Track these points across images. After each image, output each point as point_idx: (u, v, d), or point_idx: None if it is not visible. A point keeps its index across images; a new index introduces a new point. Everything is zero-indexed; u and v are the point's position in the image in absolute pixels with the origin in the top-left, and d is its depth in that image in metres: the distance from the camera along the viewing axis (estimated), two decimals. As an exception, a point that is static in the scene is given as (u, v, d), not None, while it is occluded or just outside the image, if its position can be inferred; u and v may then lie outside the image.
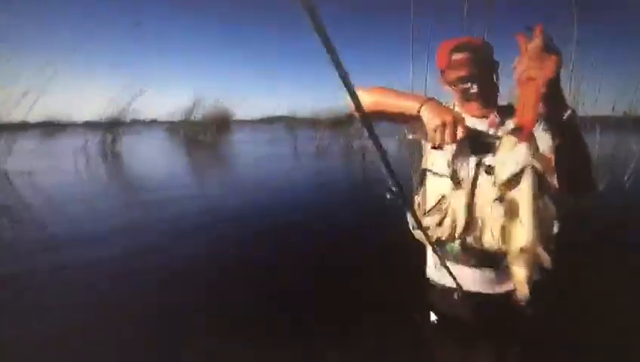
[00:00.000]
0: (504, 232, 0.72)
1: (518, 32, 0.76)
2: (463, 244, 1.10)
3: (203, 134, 14.38)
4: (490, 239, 1.04)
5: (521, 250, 0.72)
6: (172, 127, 17.23)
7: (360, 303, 1.76)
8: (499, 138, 1.02)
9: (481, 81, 1.06)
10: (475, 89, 1.07)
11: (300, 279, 2.06)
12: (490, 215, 1.01)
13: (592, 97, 4.28)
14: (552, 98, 0.81)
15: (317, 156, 8.41)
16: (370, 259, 2.16)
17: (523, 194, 0.68)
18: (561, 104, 0.84)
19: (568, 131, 0.88)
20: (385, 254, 1.95)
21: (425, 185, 1.19)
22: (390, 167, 0.69)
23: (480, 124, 1.12)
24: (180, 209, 3.83)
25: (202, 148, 11.63)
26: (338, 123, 13.16)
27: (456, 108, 1.18)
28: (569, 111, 0.84)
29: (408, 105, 0.98)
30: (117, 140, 11.48)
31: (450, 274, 1.07)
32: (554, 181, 0.84)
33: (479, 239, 1.07)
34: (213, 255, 2.60)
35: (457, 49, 1.06)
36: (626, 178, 4.25)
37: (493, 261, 1.07)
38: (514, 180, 0.67)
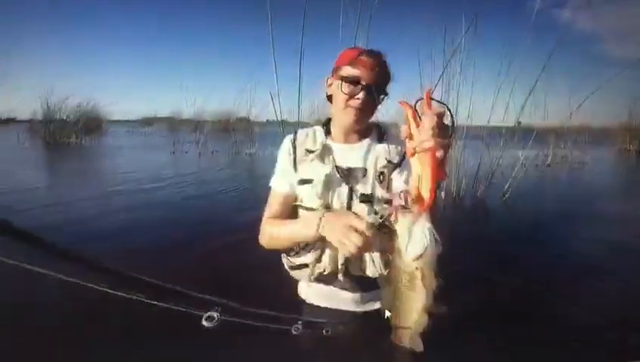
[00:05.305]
0: (386, 258, 0.74)
1: (401, 101, 0.72)
2: (345, 273, 1.10)
3: (67, 137, 12.98)
4: (371, 267, 1.07)
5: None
6: (32, 127, 14.99)
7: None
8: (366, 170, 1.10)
9: (370, 93, 1.07)
10: (361, 97, 1.05)
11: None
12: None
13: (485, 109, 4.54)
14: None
15: (198, 165, 7.72)
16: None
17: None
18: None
19: None
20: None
21: None
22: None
23: (351, 151, 1.15)
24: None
25: (64, 152, 10.19)
26: (226, 127, 12.70)
27: (332, 128, 1.18)
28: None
29: (303, 235, 1.03)
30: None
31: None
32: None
33: (360, 268, 1.09)
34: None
35: (369, 54, 1.07)
36: (505, 188, 4.46)
37: (371, 285, 1.09)
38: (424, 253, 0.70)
